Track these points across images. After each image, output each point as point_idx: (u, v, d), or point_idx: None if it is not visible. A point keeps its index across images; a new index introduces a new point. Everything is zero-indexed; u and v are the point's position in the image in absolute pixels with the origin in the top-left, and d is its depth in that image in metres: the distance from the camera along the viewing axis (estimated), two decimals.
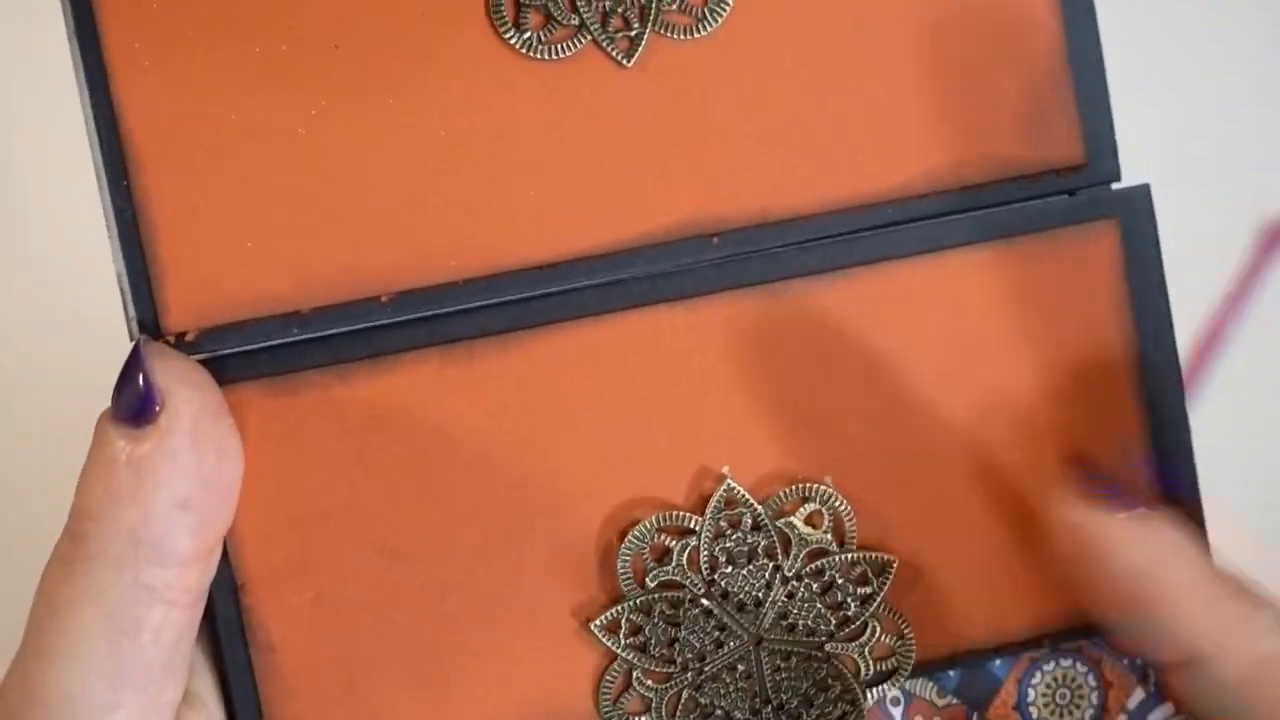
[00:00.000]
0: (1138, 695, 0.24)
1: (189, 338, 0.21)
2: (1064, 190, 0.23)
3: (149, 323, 0.21)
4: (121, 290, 0.21)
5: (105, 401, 0.20)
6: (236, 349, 0.21)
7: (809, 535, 0.22)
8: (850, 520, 0.22)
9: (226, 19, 0.21)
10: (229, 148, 0.21)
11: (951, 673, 0.23)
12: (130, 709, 0.20)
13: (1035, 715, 0.23)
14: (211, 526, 0.20)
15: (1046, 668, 0.23)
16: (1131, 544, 0.21)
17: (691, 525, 0.22)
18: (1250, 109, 0.65)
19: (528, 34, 0.21)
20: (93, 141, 0.21)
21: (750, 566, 0.22)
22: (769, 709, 0.22)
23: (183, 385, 0.20)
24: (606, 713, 0.22)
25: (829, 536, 0.22)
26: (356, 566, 0.21)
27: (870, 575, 0.22)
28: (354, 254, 0.21)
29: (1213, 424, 0.62)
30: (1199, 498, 0.23)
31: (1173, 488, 0.23)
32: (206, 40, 0.21)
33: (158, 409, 0.20)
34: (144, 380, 0.20)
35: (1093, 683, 0.24)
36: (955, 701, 0.23)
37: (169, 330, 0.21)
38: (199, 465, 0.20)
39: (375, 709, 0.22)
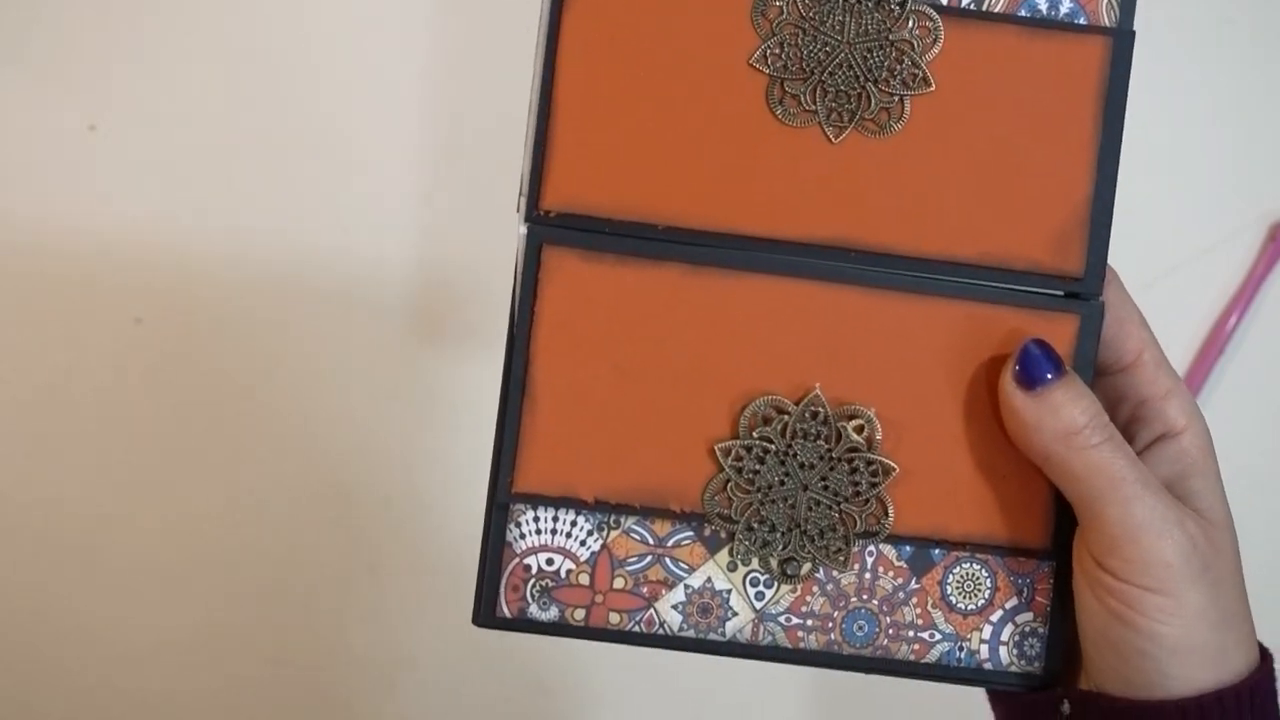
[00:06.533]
0: (1014, 600, 0.38)
1: (550, 214, 0.37)
2: (1061, 290, 0.38)
3: (532, 197, 0.37)
4: (522, 177, 0.37)
5: None
6: (577, 229, 0.37)
7: (852, 437, 0.37)
8: (879, 437, 0.37)
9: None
10: (628, 105, 0.37)
11: (908, 547, 0.38)
12: None
13: (948, 591, 0.38)
14: None
15: (964, 564, 0.38)
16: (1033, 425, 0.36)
17: (788, 409, 0.37)
18: (1258, 109, 0.68)
19: (783, 109, 0.37)
20: (536, 70, 0.37)
21: (814, 443, 0.37)
22: (797, 531, 0.37)
23: None
24: (706, 501, 0.37)
25: (864, 441, 0.37)
26: (606, 370, 0.37)
27: (880, 472, 0.37)
28: (671, 198, 0.37)
29: (1217, 423, 0.65)
30: None
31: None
32: (640, 44, 0.37)
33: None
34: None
35: (989, 583, 0.38)
36: (905, 566, 0.38)
37: (541, 206, 0.37)
38: None
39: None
